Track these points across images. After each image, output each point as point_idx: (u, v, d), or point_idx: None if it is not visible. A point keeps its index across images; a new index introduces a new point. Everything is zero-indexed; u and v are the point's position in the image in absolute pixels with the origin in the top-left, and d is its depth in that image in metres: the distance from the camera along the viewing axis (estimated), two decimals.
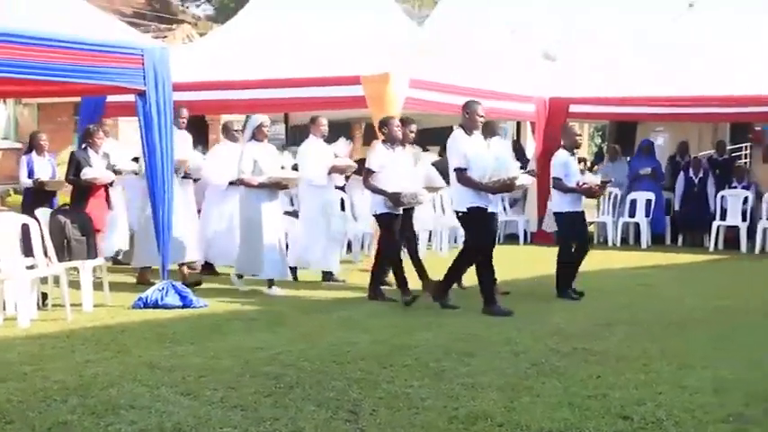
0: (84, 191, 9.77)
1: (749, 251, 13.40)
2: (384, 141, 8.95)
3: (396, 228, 8.81)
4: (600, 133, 22.07)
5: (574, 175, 9.07)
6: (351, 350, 6.51)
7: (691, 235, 14.51)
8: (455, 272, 8.50)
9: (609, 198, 14.38)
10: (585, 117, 15.98)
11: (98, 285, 8.48)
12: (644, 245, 14.13)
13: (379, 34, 12.30)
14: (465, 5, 16.16)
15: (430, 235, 12.69)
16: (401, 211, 8.86)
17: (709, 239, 13.92)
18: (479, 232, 8.23)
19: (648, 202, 14.29)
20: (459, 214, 8.33)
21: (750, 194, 13.77)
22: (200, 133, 13.98)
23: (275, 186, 9.33)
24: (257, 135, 9.31)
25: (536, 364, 6.13)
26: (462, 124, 8.36)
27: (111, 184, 10.02)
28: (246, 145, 9.40)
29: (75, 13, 8.25)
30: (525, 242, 14.70)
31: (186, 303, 8.35)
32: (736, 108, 13.41)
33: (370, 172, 8.84)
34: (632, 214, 14.38)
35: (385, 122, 9.03)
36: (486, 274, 8.27)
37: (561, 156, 9.13)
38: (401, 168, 8.89)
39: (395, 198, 8.66)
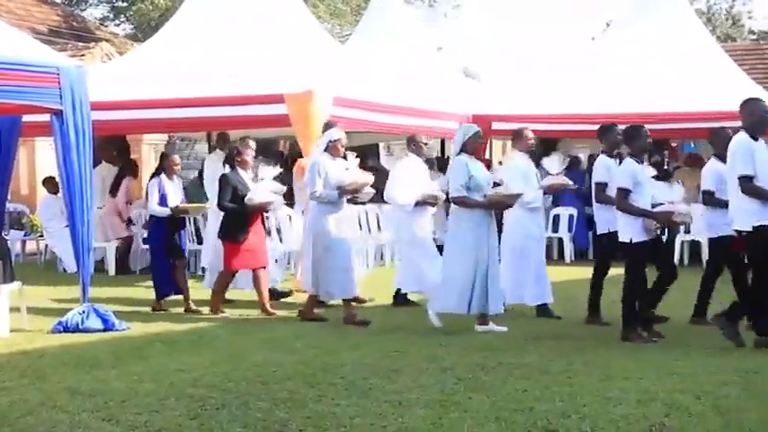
0: (242, 219, 9.02)
1: None
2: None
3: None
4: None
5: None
6: (277, 370, 6.45)
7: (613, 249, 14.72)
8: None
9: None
10: (508, 134, 16.19)
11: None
12: (567, 260, 14.33)
13: (302, 52, 12.28)
14: (387, 24, 16.25)
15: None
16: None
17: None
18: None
19: (571, 217, 14.51)
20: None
21: None
22: (120, 153, 13.69)
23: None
24: (331, 149, 8.69)
25: (462, 379, 6.15)
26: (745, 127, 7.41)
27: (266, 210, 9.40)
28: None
29: None
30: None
31: (108, 326, 8.18)
32: (654, 125, 13.69)
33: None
34: (555, 230, 14.58)
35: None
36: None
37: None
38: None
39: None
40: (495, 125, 14.38)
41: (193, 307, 9.41)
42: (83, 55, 17.97)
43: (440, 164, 15.93)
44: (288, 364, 6.66)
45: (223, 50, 12.16)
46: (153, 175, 9.72)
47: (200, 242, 12.41)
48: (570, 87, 14.67)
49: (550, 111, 14.04)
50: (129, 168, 13.70)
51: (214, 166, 11.99)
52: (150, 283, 9.81)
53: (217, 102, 11.22)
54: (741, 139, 7.34)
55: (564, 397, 5.63)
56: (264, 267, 9.19)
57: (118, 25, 31.49)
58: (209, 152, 14.34)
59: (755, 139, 7.29)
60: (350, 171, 8.75)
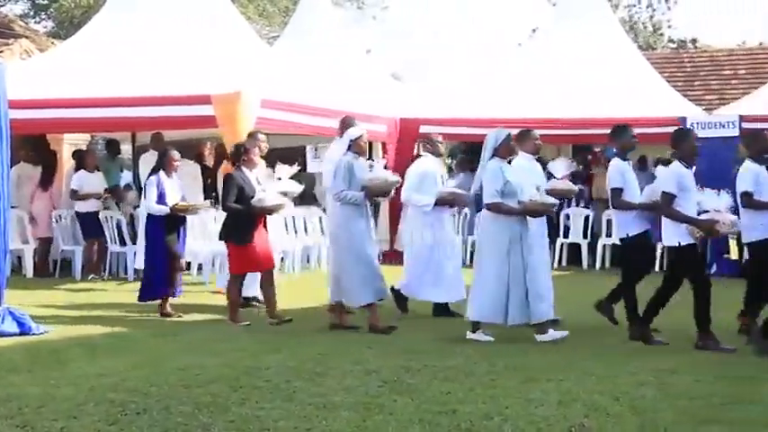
0: (247, 221, 8.62)
1: (590, 267, 13.93)
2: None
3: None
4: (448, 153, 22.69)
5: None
6: (200, 374, 6.37)
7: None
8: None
9: (459, 216, 14.66)
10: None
11: None
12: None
13: (230, 53, 12.17)
14: (316, 26, 16.21)
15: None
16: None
17: (553, 256, 14.37)
18: None
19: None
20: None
21: (591, 212, 14.33)
22: (39, 152, 13.35)
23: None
24: (353, 147, 8.38)
25: (387, 381, 6.16)
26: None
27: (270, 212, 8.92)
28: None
29: None
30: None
31: (24, 330, 7.97)
32: (578, 130, 13.98)
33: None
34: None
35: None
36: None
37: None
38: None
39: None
40: (423, 128, 14.44)
41: (170, 311, 9.11)
42: (0, 51, 17.50)
43: None
44: (211, 368, 6.58)
45: (148, 50, 11.98)
46: (151, 173, 9.28)
47: (123, 243, 12.20)
48: (497, 92, 14.83)
49: (478, 114, 14.18)
50: (52, 167, 13.39)
51: (149, 167, 11.87)
52: (71, 285, 9.59)
53: (141, 102, 11.06)
54: None
55: (487, 399, 5.69)
56: (272, 269, 8.89)
57: (38, 22, 30.75)
58: (134, 153, 14.14)
59: None
60: (376, 170, 8.41)
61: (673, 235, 7.53)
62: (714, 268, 12.11)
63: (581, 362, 6.89)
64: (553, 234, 14.34)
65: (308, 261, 13.23)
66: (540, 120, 13.77)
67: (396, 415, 5.31)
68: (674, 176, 7.51)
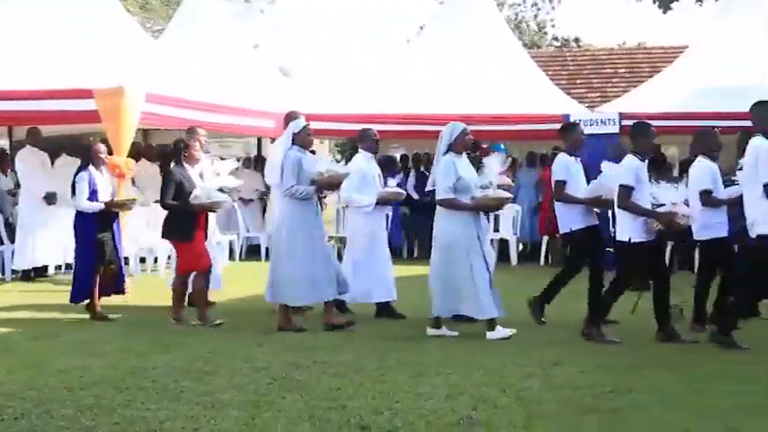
0: (188, 218, 8.36)
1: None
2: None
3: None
4: (338, 149, 22.68)
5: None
6: (83, 376, 6.19)
7: (422, 248, 15.08)
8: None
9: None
10: (324, 134, 16.28)
11: None
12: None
13: (113, 46, 11.87)
14: (201, 19, 15.95)
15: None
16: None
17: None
18: None
19: (386, 216, 14.68)
20: None
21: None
22: None
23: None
24: (297, 141, 8.20)
25: (277, 379, 6.12)
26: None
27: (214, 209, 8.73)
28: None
29: None
30: (267, 258, 14.66)
31: None
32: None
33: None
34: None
35: None
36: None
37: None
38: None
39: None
40: (312, 125, 14.38)
41: (102, 313, 8.71)
42: None
43: (257, 162, 15.88)
44: (95, 369, 6.41)
45: (28, 42, 11.57)
46: (80, 168, 8.80)
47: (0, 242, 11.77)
48: (386, 88, 14.93)
49: (367, 110, 14.22)
50: None
51: (26, 164, 11.51)
52: None
53: (20, 95, 10.71)
54: (763, 144, 6.98)
55: (376, 394, 5.71)
56: (210, 268, 8.63)
57: None
58: (11, 149, 13.64)
59: None
60: (324, 164, 8.23)
61: (626, 230, 7.45)
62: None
63: (470, 356, 6.99)
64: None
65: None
66: (427, 116, 13.93)
67: (285, 412, 5.28)
68: (631, 169, 7.41)
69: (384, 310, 9.00)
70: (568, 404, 5.51)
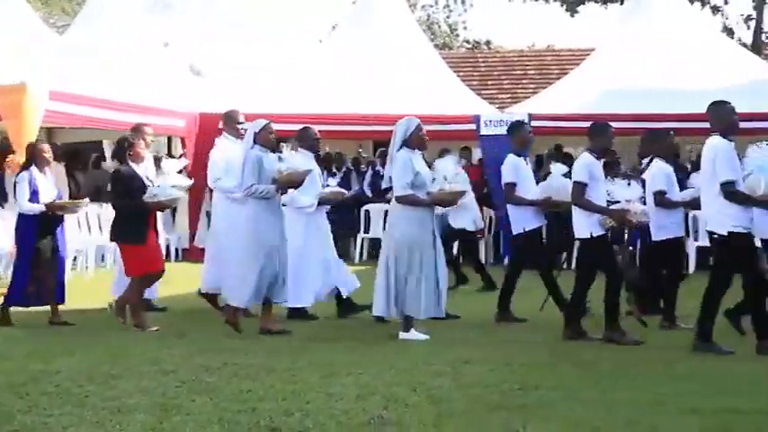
0: (139, 218, 8.03)
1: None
2: None
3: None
4: None
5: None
6: None
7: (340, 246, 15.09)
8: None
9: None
10: None
11: None
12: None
13: (14, 42, 11.54)
14: (109, 15, 15.61)
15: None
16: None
17: (355, 251, 14.65)
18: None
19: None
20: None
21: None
22: None
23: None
24: (258, 140, 7.99)
25: (186, 381, 6.02)
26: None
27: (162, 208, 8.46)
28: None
29: None
30: (177, 259, 14.47)
31: None
32: (376, 126, 14.22)
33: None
34: None
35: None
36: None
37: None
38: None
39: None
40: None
41: (61, 319, 8.33)
42: None
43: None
44: None
45: None
46: (22, 168, 8.39)
47: None
48: (298, 87, 14.89)
49: (279, 110, 14.13)
50: None
51: None
52: None
53: None
54: (721, 143, 7.00)
55: (287, 395, 5.67)
56: (163, 271, 8.38)
57: None
58: None
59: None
60: (286, 162, 8.03)
61: (584, 226, 7.49)
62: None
63: (382, 356, 7.00)
64: (355, 229, 14.62)
65: (102, 260, 12.76)
66: (339, 115, 13.95)
67: (194, 415, 5.20)
68: (585, 166, 7.47)
69: (346, 307, 8.93)
70: (477, 402, 5.57)
